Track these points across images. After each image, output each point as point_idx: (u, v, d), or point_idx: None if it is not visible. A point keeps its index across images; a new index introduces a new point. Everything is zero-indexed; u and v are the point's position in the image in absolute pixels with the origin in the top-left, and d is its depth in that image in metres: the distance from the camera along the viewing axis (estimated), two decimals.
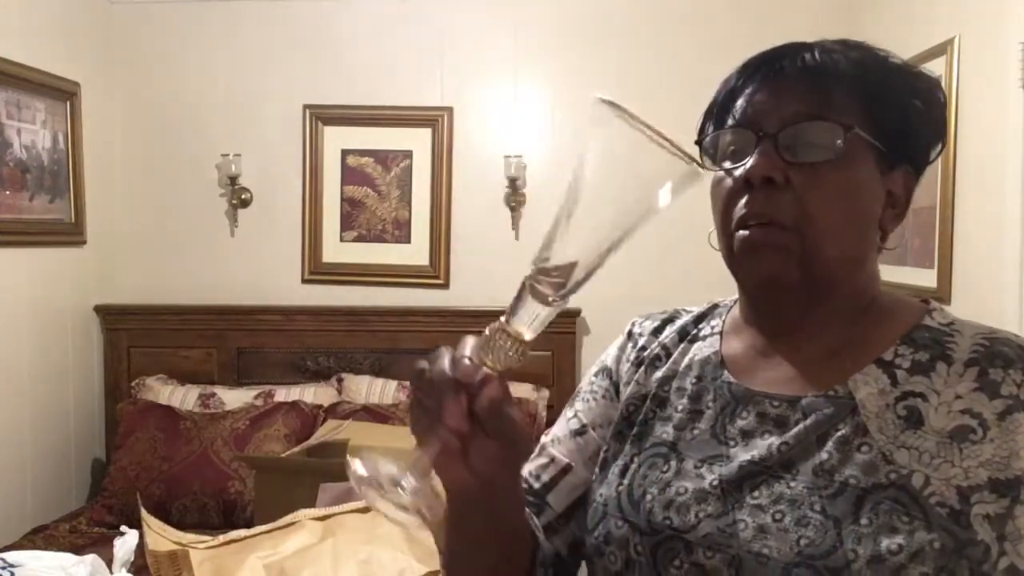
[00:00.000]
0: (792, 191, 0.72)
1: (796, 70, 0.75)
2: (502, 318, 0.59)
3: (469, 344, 0.60)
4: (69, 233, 3.13)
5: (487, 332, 0.58)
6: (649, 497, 0.76)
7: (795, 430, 0.73)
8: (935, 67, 2.45)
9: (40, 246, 2.98)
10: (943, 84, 2.46)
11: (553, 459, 0.86)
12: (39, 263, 2.97)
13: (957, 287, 2.35)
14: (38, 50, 2.92)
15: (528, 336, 0.58)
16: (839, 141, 0.72)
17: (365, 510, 1.72)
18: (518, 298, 0.58)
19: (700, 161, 0.54)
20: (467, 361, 0.59)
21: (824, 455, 0.70)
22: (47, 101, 2.99)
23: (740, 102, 0.77)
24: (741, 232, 0.74)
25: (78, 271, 3.20)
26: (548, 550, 0.83)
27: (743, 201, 0.74)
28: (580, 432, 0.87)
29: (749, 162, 0.74)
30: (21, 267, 2.87)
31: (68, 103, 3.10)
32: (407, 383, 3.17)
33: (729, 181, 0.76)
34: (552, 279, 0.57)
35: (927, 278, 2.47)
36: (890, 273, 2.71)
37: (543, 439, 0.90)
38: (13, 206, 2.83)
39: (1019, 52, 2.04)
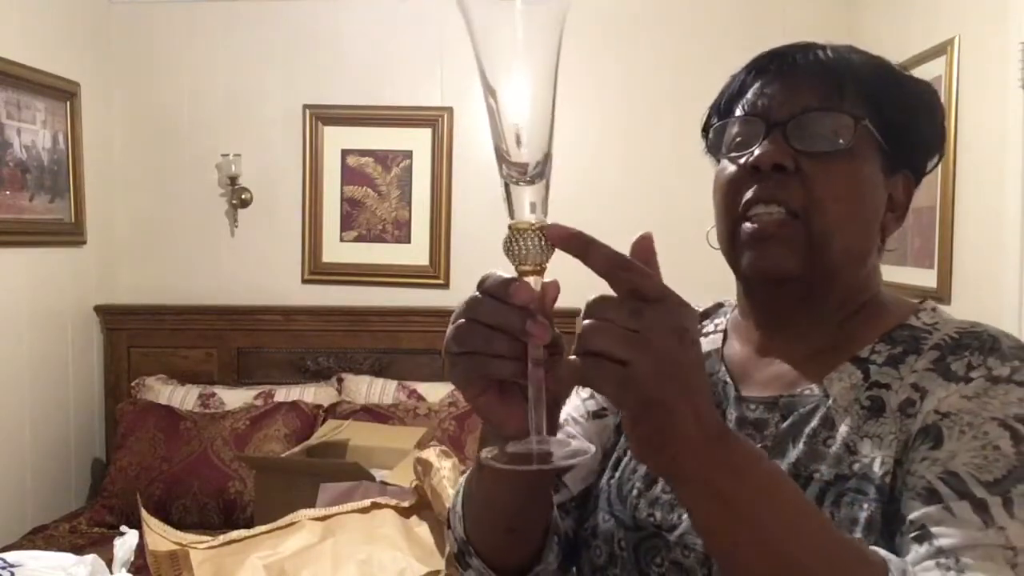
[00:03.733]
0: (801, 178, 0.72)
1: (808, 64, 0.75)
2: (510, 223, 0.57)
3: (498, 271, 0.58)
4: (69, 233, 3.13)
5: (507, 244, 0.56)
6: (635, 492, 0.77)
7: (772, 432, 0.74)
8: (935, 67, 2.45)
9: (40, 246, 2.97)
10: (943, 84, 2.47)
11: (575, 438, 0.83)
12: (39, 263, 2.97)
13: (957, 287, 2.35)
14: (38, 50, 2.92)
15: (536, 220, 0.56)
16: (849, 132, 0.73)
17: (365, 510, 1.72)
18: (507, 198, 0.58)
19: None
20: (518, 281, 0.56)
21: (797, 452, 0.71)
22: (47, 101, 2.99)
23: (749, 94, 0.77)
24: (747, 224, 0.74)
25: (78, 271, 3.20)
26: (560, 527, 0.83)
27: (751, 187, 0.74)
28: (599, 415, 0.86)
29: (757, 149, 0.73)
30: (21, 267, 2.87)
31: (68, 103, 3.10)
32: (407, 383, 3.17)
33: (734, 169, 0.76)
34: (504, 154, 0.58)
35: (927, 278, 2.47)
36: (890, 273, 2.71)
37: (561, 416, 0.87)
38: (13, 206, 2.82)
39: (1019, 52, 2.04)
